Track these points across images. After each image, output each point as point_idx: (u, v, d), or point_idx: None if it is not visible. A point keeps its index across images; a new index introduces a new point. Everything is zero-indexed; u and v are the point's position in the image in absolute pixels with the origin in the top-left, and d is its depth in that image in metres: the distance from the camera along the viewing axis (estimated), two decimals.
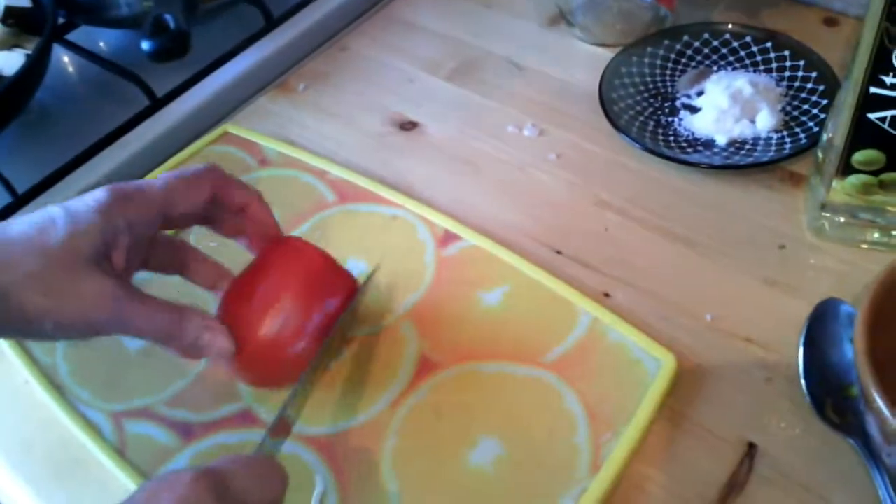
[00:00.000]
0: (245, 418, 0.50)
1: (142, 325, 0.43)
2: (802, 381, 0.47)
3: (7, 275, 0.40)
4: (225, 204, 0.47)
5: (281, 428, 0.43)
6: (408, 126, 0.70)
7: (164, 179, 0.45)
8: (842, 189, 0.53)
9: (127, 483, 0.48)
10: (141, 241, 0.45)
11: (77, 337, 0.43)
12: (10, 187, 0.66)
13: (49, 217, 0.42)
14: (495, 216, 0.61)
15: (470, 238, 0.58)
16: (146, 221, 0.44)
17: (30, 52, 0.72)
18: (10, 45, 0.73)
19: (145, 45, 0.62)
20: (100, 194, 0.43)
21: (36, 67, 0.69)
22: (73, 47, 0.79)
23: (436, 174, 0.65)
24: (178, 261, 0.50)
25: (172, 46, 0.63)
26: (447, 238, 0.58)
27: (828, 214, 0.55)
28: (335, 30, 0.83)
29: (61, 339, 0.45)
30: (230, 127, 0.70)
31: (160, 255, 0.49)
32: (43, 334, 0.42)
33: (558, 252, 0.58)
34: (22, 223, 0.42)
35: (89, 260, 0.42)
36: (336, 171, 0.65)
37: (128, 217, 0.43)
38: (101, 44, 0.85)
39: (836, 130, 0.52)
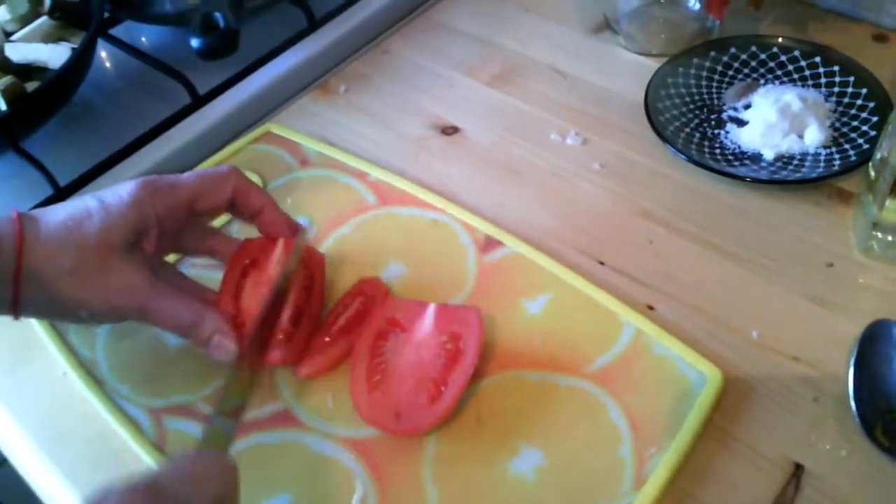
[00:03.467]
0: (285, 419, 0.50)
1: (162, 319, 0.48)
2: (852, 402, 0.46)
3: (49, 267, 0.45)
4: (242, 206, 0.52)
5: (231, 412, 0.44)
6: (449, 131, 0.70)
7: (193, 177, 0.50)
8: (895, 208, 0.52)
9: None
10: (170, 230, 0.50)
11: (107, 322, 0.51)
12: (52, 179, 0.66)
13: (86, 209, 0.47)
14: (537, 224, 0.60)
15: (512, 245, 0.57)
16: (174, 215, 0.49)
17: (75, 45, 0.72)
18: (56, 39, 0.74)
19: (195, 43, 0.63)
20: (133, 188, 0.48)
21: (82, 61, 0.70)
22: (117, 42, 0.79)
23: (477, 180, 0.65)
24: (207, 244, 0.54)
25: (222, 44, 0.63)
26: (489, 244, 0.58)
27: (878, 234, 0.54)
28: (376, 32, 0.83)
29: (92, 323, 0.52)
30: (272, 126, 0.70)
31: (190, 240, 0.53)
32: (77, 319, 0.48)
33: (601, 262, 0.57)
34: (61, 213, 0.47)
35: (121, 251, 0.47)
36: (377, 174, 0.64)
37: (158, 211, 0.48)
38: (144, 39, 0.85)
39: (892, 149, 0.51)
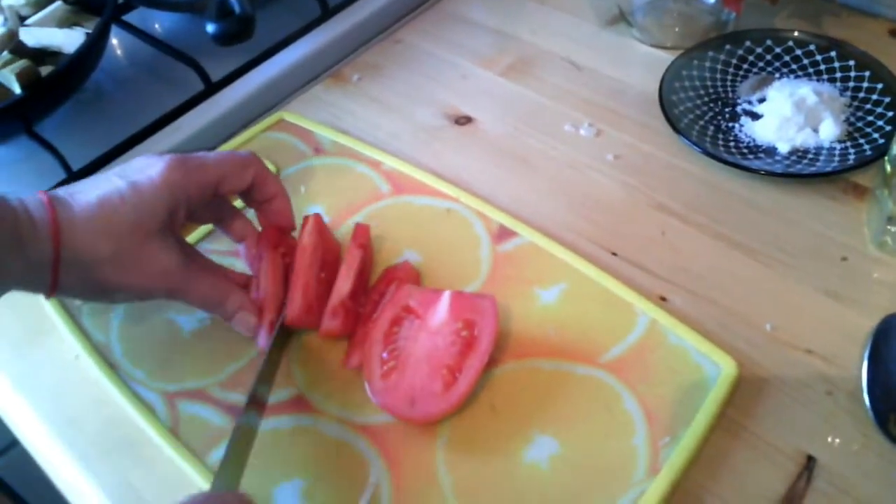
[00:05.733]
0: (298, 404, 0.50)
1: (192, 297, 0.50)
2: (865, 396, 0.46)
3: (87, 255, 0.45)
4: (258, 192, 0.53)
5: (255, 403, 0.47)
6: (462, 121, 0.70)
7: (218, 158, 0.51)
8: None
9: (179, 463, 0.48)
10: (193, 208, 0.51)
11: (137, 301, 0.51)
12: (65, 164, 0.66)
13: (118, 193, 0.47)
14: (550, 215, 0.60)
15: (526, 234, 0.57)
16: (201, 195, 0.50)
17: (89, 30, 0.72)
18: (70, 24, 0.74)
19: (211, 28, 0.63)
20: (163, 168, 0.48)
21: (96, 46, 0.70)
22: (130, 28, 0.79)
23: (490, 170, 0.65)
24: (215, 214, 0.55)
25: (238, 30, 0.63)
26: (503, 234, 0.58)
27: (893, 228, 0.54)
28: (390, 22, 0.83)
29: (122, 302, 0.54)
30: (286, 114, 0.70)
31: (204, 213, 0.54)
32: (111, 300, 0.51)
33: (614, 254, 0.57)
34: (91, 195, 0.46)
35: (155, 235, 0.47)
36: (390, 163, 0.64)
37: (189, 191, 0.49)
38: (157, 26, 0.85)
39: None
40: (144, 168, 0.48)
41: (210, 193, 0.50)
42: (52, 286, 0.46)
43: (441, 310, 0.50)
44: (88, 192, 0.47)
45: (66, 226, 0.45)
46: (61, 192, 0.47)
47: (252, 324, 0.52)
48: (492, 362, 0.49)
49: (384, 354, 0.49)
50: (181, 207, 0.49)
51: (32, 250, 0.44)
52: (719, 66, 0.69)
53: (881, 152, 0.57)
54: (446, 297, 0.51)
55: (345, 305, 0.51)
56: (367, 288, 0.55)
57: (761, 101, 0.66)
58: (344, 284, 0.52)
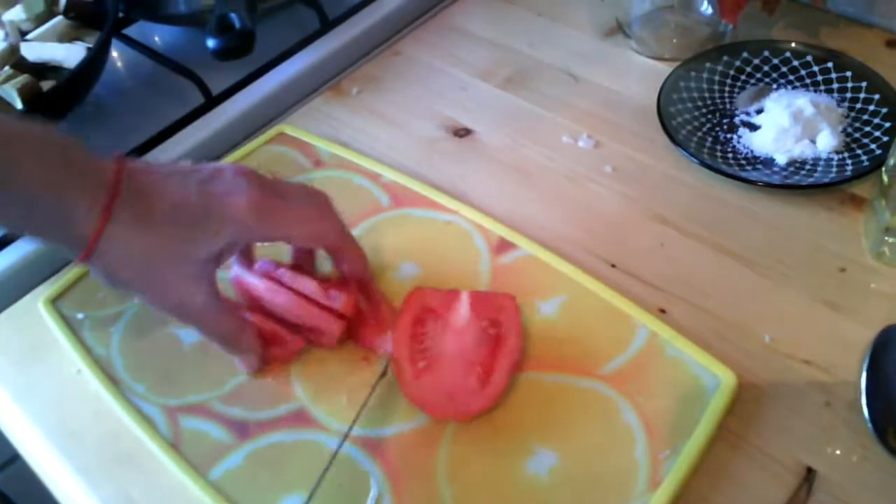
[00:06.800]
0: (300, 418, 0.50)
1: (205, 329, 0.49)
2: (864, 407, 0.46)
3: (117, 254, 0.44)
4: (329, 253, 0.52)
5: None
6: (461, 133, 0.70)
7: (298, 219, 0.48)
8: None
9: (180, 477, 0.48)
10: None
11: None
12: None
13: (190, 215, 0.45)
14: (549, 226, 0.60)
15: (526, 247, 0.57)
16: (263, 242, 0.52)
17: (90, 45, 0.73)
18: (70, 38, 0.74)
19: (211, 43, 0.63)
20: (245, 208, 0.45)
21: (97, 60, 0.70)
22: (131, 42, 0.79)
23: (489, 182, 0.65)
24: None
25: (238, 45, 0.63)
26: (502, 246, 0.58)
27: (890, 239, 0.54)
28: (389, 34, 0.83)
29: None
30: (285, 127, 0.71)
31: None
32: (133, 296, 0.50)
33: (613, 265, 0.57)
34: (166, 200, 0.45)
35: (196, 264, 0.46)
36: (390, 175, 0.65)
37: (254, 238, 0.50)
38: (157, 39, 0.86)
39: None
40: (231, 194, 0.45)
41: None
42: (84, 259, 0.44)
43: (462, 309, 0.52)
44: (164, 193, 0.45)
45: (119, 216, 0.43)
46: (142, 175, 0.45)
47: (255, 366, 0.52)
48: None
49: (414, 355, 0.50)
50: (237, 248, 0.49)
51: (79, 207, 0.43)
52: (717, 78, 0.69)
53: (878, 163, 0.58)
54: (465, 297, 0.52)
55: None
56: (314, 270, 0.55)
57: (759, 112, 0.66)
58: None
